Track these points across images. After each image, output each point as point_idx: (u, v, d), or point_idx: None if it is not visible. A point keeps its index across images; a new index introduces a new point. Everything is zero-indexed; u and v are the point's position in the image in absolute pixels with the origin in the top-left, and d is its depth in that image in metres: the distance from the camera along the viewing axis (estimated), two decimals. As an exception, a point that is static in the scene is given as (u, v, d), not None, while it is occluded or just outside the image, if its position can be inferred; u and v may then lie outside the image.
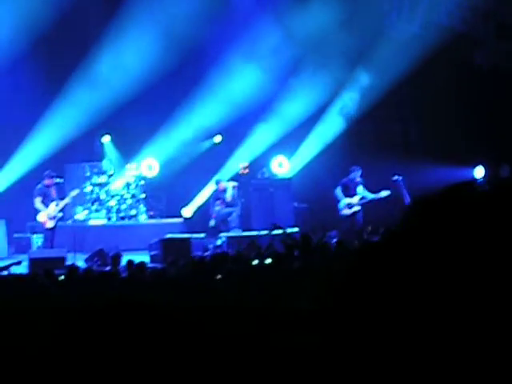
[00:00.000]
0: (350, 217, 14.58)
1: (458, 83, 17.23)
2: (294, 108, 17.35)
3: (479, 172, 17.37)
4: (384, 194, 14.51)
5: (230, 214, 15.51)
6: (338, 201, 14.71)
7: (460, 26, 17.03)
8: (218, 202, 15.59)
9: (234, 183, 15.87)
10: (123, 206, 16.14)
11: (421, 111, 17.45)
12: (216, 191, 15.88)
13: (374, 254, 0.92)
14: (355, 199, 14.60)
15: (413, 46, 16.60)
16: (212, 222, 15.37)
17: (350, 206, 14.61)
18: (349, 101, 17.41)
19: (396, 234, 0.94)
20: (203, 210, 16.70)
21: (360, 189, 14.63)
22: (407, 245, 0.90)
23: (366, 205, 14.58)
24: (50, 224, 13.82)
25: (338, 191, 14.65)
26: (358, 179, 14.68)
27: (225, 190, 15.70)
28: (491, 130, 17.06)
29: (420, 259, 0.86)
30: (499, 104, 17.12)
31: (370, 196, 14.59)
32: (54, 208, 13.87)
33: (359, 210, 14.61)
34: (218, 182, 15.91)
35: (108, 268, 10.33)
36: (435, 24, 16.73)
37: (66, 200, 14.06)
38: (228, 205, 15.56)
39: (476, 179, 11.23)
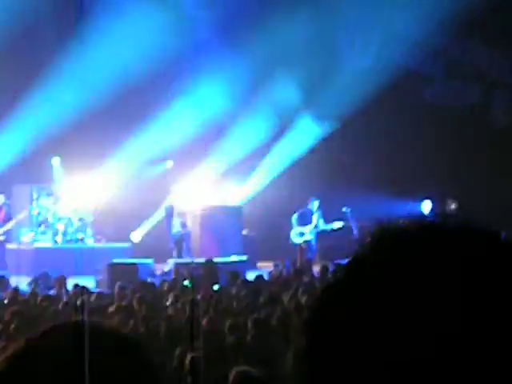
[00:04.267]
0: (300, 245, 14.73)
1: (410, 119, 17.53)
2: (245, 136, 17.46)
3: (426, 206, 17.63)
4: (337, 225, 14.71)
5: (186, 238, 15.53)
6: (292, 228, 14.88)
7: (411, 63, 17.39)
8: (175, 223, 15.64)
9: (191, 211, 15.87)
10: (70, 229, 15.93)
11: (372, 144, 17.67)
12: (167, 217, 15.85)
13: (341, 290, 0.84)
14: (307, 228, 14.76)
15: (366, 80, 16.87)
16: (170, 245, 15.40)
17: (301, 234, 14.77)
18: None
19: (360, 263, 0.86)
20: (152, 235, 16.58)
21: (315, 218, 14.80)
22: (376, 276, 0.83)
23: (320, 235, 14.76)
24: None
25: (294, 219, 14.84)
26: (315, 209, 14.87)
27: (181, 215, 15.75)
28: (439, 164, 17.37)
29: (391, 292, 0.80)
30: (448, 140, 17.45)
31: (323, 226, 14.76)
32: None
33: (311, 240, 14.75)
34: (168, 209, 15.89)
35: (52, 291, 10.15)
36: (387, 60, 17.03)
37: (12, 222, 13.82)
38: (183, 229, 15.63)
39: (425, 214, 11.46)
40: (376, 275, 0.81)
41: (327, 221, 14.80)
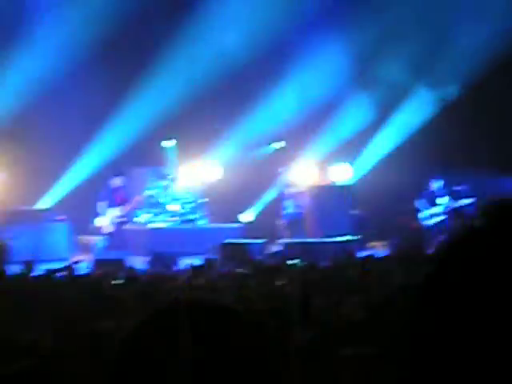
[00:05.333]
0: (433, 227, 14.65)
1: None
2: (355, 115, 17.29)
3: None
4: (466, 201, 14.53)
5: (298, 218, 15.65)
6: (420, 211, 14.75)
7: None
8: (288, 204, 15.76)
9: (302, 191, 15.94)
10: (183, 210, 16.27)
11: (486, 120, 17.11)
12: (285, 198, 15.98)
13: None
14: (438, 209, 14.69)
15: (480, 53, 16.37)
16: (281, 224, 15.54)
17: (431, 215, 14.72)
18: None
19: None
20: (263, 216, 16.75)
21: (442, 199, 14.71)
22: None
23: (451, 213, 14.64)
24: (108, 229, 14.08)
25: (421, 202, 14.75)
26: (440, 189, 14.73)
27: (294, 197, 15.83)
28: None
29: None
30: None
31: (452, 205, 14.66)
32: (114, 212, 14.10)
33: (444, 220, 14.65)
34: (285, 187, 16.04)
35: (167, 270, 10.42)
36: (502, 31, 16.42)
37: (129, 205, 14.29)
38: (295, 210, 15.74)
39: None
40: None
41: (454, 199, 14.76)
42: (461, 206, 14.77)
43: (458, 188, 14.96)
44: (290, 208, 15.82)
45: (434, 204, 14.85)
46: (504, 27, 16.16)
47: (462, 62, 16.66)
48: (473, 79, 16.48)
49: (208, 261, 10.49)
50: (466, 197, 14.79)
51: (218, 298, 6.53)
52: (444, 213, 14.79)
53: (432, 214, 14.81)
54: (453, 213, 14.74)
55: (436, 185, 14.93)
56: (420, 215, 14.90)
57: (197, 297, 1.17)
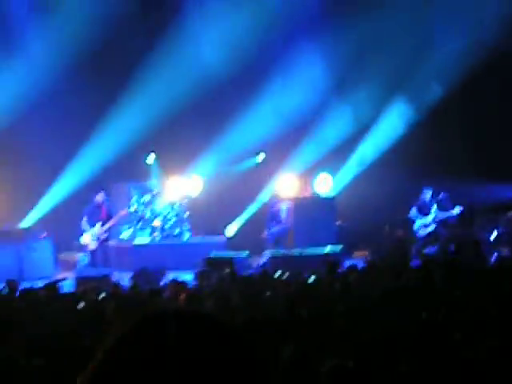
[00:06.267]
0: (426, 237, 14.71)
1: (505, 102, 17.03)
2: (336, 126, 17.37)
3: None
4: (457, 210, 14.60)
5: (284, 233, 15.64)
6: (413, 222, 14.82)
7: (507, 44, 16.84)
8: (274, 222, 15.75)
9: (287, 203, 15.94)
10: (167, 225, 16.25)
11: (465, 128, 17.24)
12: (271, 211, 15.97)
13: None
14: (429, 218, 14.74)
15: (459, 63, 16.49)
16: (266, 240, 15.52)
17: (425, 225, 14.77)
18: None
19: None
20: (247, 229, 16.74)
21: (434, 208, 14.77)
22: None
23: (442, 223, 14.72)
24: (92, 245, 14.03)
25: (413, 212, 14.81)
26: (431, 199, 14.78)
27: (279, 211, 15.83)
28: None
29: None
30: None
31: (444, 214, 14.73)
32: (98, 228, 14.05)
33: (435, 229, 14.72)
34: (273, 203, 16.04)
35: (151, 286, 10.38)
36: (481, 41, 16.56)
37: (113, 220, 14.24)
38: (281, 224, 15.73)
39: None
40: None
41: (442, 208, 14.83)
42: (448, 216, 14.82)
43: (441, 197, 15.01)
44: (273, 220, 15.83)
45: (427, 213, 14.88)
46: (484, 36, 16.31)
47: (442, 70, 16.79)
48: (454, 88, 16.61)
49: (193, 275, 10.47)
50: (454, 206, 14.83)
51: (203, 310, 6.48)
52: (434, 222, 14.83)
53: (425, 223, 14.84)
54: (441, 223, 14.80)
55: (428, 194, 14.97)
56: (414, 225, 14.92)
57: (182, 307, 1.18)
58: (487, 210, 15.57)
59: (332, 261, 11.51)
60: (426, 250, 13.88)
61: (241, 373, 1.09)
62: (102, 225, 14.15)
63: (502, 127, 16.95)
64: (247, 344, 1.14)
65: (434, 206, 14.87)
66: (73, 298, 8.40)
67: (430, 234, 14.77)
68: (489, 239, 14.29)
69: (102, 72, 16.30)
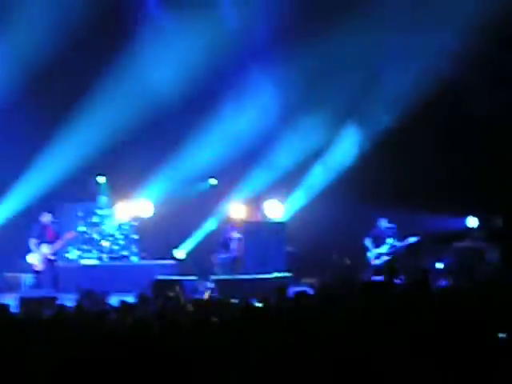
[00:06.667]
0: (379, 266, 14.74)
1: (451, 133, 17.33)
2: (288, 152, 17.46)
3: (472, 222, 17.43)
4: (412, 239, 14.66)
5: (233, 260, 15.58)
6: (368, 251, 14.88)
7: (453, 74, 17.20)
8: (224, 248, 15.68)
9: (238, 233, 15.89)
10: (115, 247, 16.09)
11: (412, 160, 17.48)
12: (222, 238, 15.88)
13: None
14: (384, 249, 14.77)
15: (407, 94, 16.77)
16: (215, 265, 15.42)
17: (378, 256, 14.78)
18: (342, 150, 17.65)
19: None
20: (196, 253, 16.67)
21: (389, 239, 14.79)
22: None
23: (397, 253, 14.73)
24: (39, 266, 13.79)
25: (368, 242, 14.84)
26: (386, 229, 14.83)
27: (230, 238, 15.76)
28: (483, 178, 17.07)
29: None
30: (493, 154, 17.18)
31: (399, 244, 14.75)
32: (45, 249, 13.83)
33: (389, 259, 14.72)
34: (225, 230, 15.95)
35: (97, 308, 10.23)
36: (429, 73, 16.88)
37: (60, 242, 14.03)
38: (230, 251, 15.67)
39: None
40: None
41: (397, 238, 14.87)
42: (403, 246, 14.83)
43: (394, 227, 15.04)
44: (224, 246, 15.77)
45: (382, 243, 14.93)
46: (435, 66, 16.64)
47: (392, 100, 17.04)
48: (404, 118, 16.85)
49: (139, 297, 10.34)
50: (405, 236, 14.89)
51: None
52: (387, 253, 14.86)
53: (380, 253, 14.87)
54: (395, 253, 14.83)
55: (383, 224, 15.01)
56: (368, 254, 14.96)
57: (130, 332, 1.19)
58: (435, 240, 15.76)
59: (280, 286, 11.49)
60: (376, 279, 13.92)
61: None
62: (49, 245, 13.93)
63: (451, 158, 17.24)
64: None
65: (390, 238, 14.87)
66: (15, 319, 8.21)
67: (383, 263, 14.80)
68: (436, 268, 14.46)
69: (51, 92, 16.14)
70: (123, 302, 9.37)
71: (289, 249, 16.37)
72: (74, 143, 16.42)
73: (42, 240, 13.92)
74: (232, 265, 15.58)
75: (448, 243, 15.91)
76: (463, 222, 17.50)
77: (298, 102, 17.26)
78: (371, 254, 14.88)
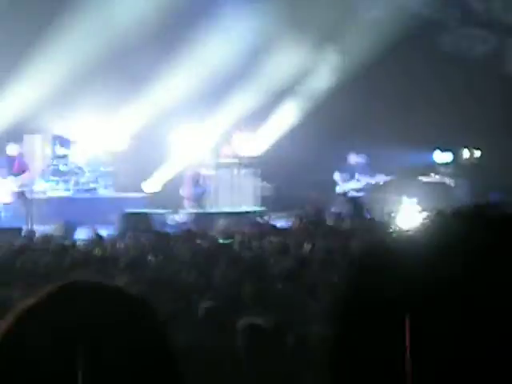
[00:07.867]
0: (348, 201, 14.57)
1: (423, 69, 17.22)
2: (262, 83, 17.22)
3: (441, 156, 17.59)
4: (380, 178, 14.53)
5: (202, 194, 15.49)
6: (338, 185, 14.73)
7: (425, 10, 17.02)
8: (192, 184, 15.57)
9: (208, 171, 15.76)
10: (83, 179, 15.92)
11: (384, 95, 17.35)
12: (192, 173, 15.75)
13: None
14: (352, 184, 14.56)
15: (379, 30, 16.60)
16: (186, 203, 15.31)
17: (346, 191, 14.57)
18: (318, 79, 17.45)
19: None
20: (168, 186, 16.55)
21: (357, 174, 14.61)
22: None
23: (364, 189, 14.59)
24: (5, 198, 13.60)
25: (337, 176, 14.62)
26: (356, 164, 14.65)
27: (200, 174, 15.65)
28: (451, 115, 17.03)
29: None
30: (461, 90, 17.10)
31: (367, 180, 14.54)
32: (12, 182, 13.61)
33: (358, 195, 14.52)
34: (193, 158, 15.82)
35: (66, 241, 10.15)
36: (400, 8, 16.69)
37: (29, 174, 13.82)
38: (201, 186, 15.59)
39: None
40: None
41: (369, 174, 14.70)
42: (377, 183, 14.61)
43: (365, 162, 14.86)
44: (196, 179, 15.62)
45: (350, 178, 14.74)
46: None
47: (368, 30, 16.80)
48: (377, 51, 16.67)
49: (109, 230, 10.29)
50: (384, 173, 14.71)
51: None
52: (362, 189, 14.68)
53: (351, 188, 14.65)
54: (370, 190, 14.63)
55: (355, 159, 14.80)
56: (337, 188, 14.78)
57: (90, 281, 1.13)
58: (404, 175, 15.69)
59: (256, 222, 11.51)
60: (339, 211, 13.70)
61: (142, 345, 1.10)
62: (16, 177, 13.69)
63: (429, 92, 17.15)
64: (149, 316, 1.13)
65: (359, 171, 14.68)
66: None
67: (354, 198, 14.60)
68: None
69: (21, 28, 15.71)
70: (93, 235, 9.32)
71: (262, 184, 16.32)
72: (42, 73, 16.05)
73: (9, 172, 13.68)
74: (204, 198, 15.50)
75: (416, 179, 15.99)
76: (431, 156, 17.61)
77: (274, 30, 16.92)
78: (340, 188, 14.74)
